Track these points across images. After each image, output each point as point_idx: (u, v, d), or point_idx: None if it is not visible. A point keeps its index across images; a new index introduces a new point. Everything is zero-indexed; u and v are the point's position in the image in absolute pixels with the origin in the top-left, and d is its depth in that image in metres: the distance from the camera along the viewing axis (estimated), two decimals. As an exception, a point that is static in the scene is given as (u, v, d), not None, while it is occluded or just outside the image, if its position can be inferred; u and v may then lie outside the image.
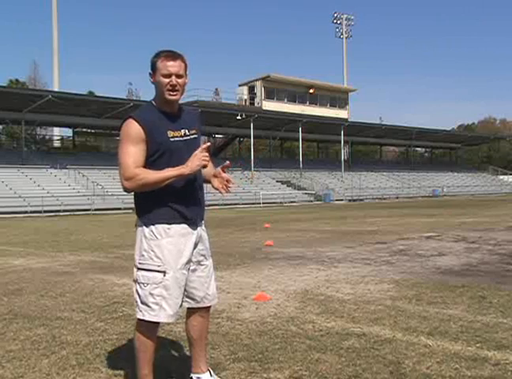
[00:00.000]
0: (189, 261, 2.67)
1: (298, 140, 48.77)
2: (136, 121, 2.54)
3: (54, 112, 39.18)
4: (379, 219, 18.26)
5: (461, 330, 3.84)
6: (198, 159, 2.55)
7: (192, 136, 2.71)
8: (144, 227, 2.65)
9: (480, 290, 5.27)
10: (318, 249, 9.36)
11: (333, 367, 3.12)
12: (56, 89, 48.59)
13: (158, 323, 2.65)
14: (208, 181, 2.82)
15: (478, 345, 3.47)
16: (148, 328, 2.62)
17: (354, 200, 44.29)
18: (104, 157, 43.69)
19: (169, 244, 2.60)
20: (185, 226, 2.65)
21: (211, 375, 2.87)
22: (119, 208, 31.50)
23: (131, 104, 39.29)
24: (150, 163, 2.58)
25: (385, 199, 46.75)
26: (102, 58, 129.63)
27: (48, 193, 32.02)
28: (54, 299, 5.37)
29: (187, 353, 3.39)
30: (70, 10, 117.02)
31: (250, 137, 46.54)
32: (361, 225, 15.46)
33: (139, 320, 2.63)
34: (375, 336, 3.72)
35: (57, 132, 53.42)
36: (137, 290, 2.62)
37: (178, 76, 2.57)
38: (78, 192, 34.10)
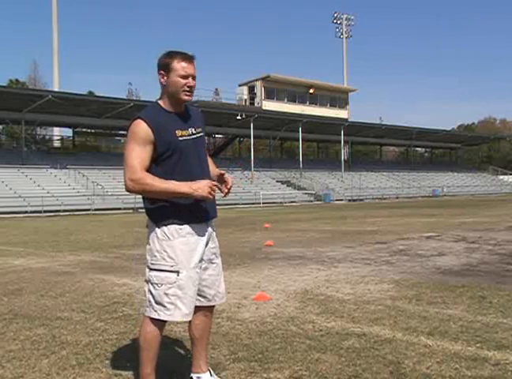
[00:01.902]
0: (201, 260, 2.69)
1: (298, 140, 48.77)
2: (144, 121, 2.55)
3: (54, 112, 39.20)
4: (379, 219, 18.26)
5: (461, 330, 3.84)
6: (207, 190, 2.52)
7: (198, 135, 2.74)
8: (156, 228, 2.63)
9: (480, 290, 5.27)
10: (318, 249, 9.36)
11: (333, 367, 3.12)
12: (56, 89, 48.59)
13: (165, 322, 2.65)
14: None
15: (478, 345, 3.47)
16: (157, 327, 2.63)
17: (354, 200, 44.29)
18: (104, 157, 43.72)
19: (181, 244, 2.60)
20: (197, 225, 2.65)
21: (211, 375, 2.88)
22: (119, 208, 31.54)
23: (131, 104, 39.33)
24: (160, 162, 2.58)
25: (385, 199, 46.74)
26: (102, 58, 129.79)
27: (48, 193, 32.03)
28: (54, 299, 5.37)
29: (187, 353, 3.40)
30: (70, 10, 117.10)
31: (250, 137, 46.53)
32: (361, 225, 15.46)
33: (150, 319, 2.62)
34: (375, 336, 3.73)
35: (57, 132, 53.43)
36: (150, 291, 2.62)
37: (194, 78, 2.61)
38: (78, 192, 34.10)
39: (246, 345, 3.60)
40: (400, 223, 15.93)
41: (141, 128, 2.54)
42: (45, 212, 28.82)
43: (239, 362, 3.25)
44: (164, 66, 2.60)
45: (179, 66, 2.57)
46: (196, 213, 2.63)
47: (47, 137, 54.69)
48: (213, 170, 2.88)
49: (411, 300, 4.89)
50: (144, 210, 2.74)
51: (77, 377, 3.10)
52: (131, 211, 31.26)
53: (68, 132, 51.69)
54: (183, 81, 2.58)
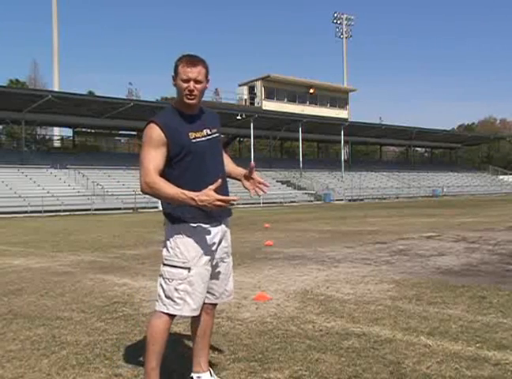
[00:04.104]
0: (212, 258, 2.74)
1: (298, 140, 48.74)
2: (157, 125, 2.61)
3: (54, 112, 39.18)
4: (379, 219, 18.25)
5: (461, 330, 3.84)
6: (211, 201, 2.50)
7: (214, 135, 2.78)
8: (171, 225, 2.71)
9: (480, 290, 5.27)
10: (318, 249, 9.36)
11: (333, 367, 3.12)
12: (56, 89, 48.58)
13: (173, 317, 2.70)
14: (234, 178, 2.95)
15: (478, 345, 3.47)
16: (164, 321, 2.67)
17: (354, 200, 44.28)
18: (104, 157, 43.72)
19: (194, 242, 2.67)
20: (211, 224, 2.71)
21: (211, 375, 2.90)
22: (119, 208, 31.53)
23: (131, 104, 39.36)
24: (174, 163, 2.65)
25: (385, 199, 46.73)
26: (102, 58, 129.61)
27: (48, 193, 32.02)
28: (54, 299, 5.37)
29: (187, 353, 3.40)
30: (70, 10, 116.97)
31: (250, 137, 46.53)
32: (361, 225, 15.46)
33: (159, 313, 2.67)
34: (375, 336, 3.73)
35: (57, 132, 53.41)
36: (161, 285, 2.69)
37: (197, 81, 2.64)
38: (78, 192, 34.09)
39: (246, 345, 3.61)
40: (400, 223, 15.93)
41: (154, 131, 2.61)
42: (45, 211, 28.80)
43: (239, 362, 3.25)
44: (174, 70, 2.68)
45: (182, 70, 2.62)
46: (210, 213, 2.67)
47: (47, 137, 54.66)
48: (234, 169, 2.96)
49: (411, 300, 4.89)
50: (160, 209, 2.80)
51: (77, 377, 3.10)
52: (131, 211, 31.25)
53: (68, 132, 51.73)
54: (184, 85, 2.63)
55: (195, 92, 2.63)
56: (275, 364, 3.21)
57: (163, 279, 2.68)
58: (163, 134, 2.59)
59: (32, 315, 4.68)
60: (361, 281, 5.98)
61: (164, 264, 2.70)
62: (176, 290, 2.64)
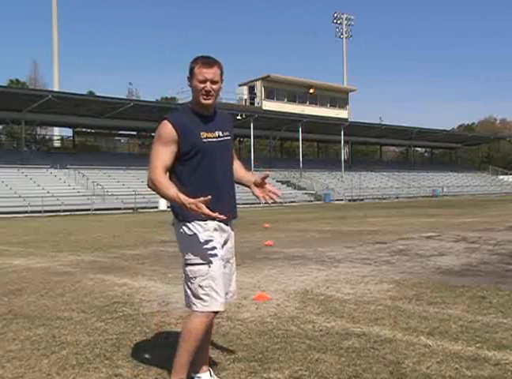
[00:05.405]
0: (222, 254, 2.78)
1: (298, 140, 48.73)
2: (170, 122, 2.69)
3: (54, 112, 39.14)
4: (379, 219, 18.25)
5: (461, 330, 3.84)
6: (199, 213, 2.55)
7: (225, 138, 2.83)
8: (181, 225, 2.76)
9: (480, 290, 5.27)
10: (318, 249, 9.37)
11: (333, 367, 3.12)
12: (56, 89, 48.53)
13: (210, 317, 2.72)
14: (244, 184, 2.98)
15: (478, 345, 3.47)
16: (201, 321, 2.69)
17: (354, 200, 44.27)
18: (104, 157, 43.71)
19: (207, 237, 2.72)
20: (218, 222, 2.75)
21: (211, 375, 2.90)
22: (119, 208, 31.51)
23: (131, 104, 39.33)
24: (184, 161, 2.72)
25: (385, 199, 46.72)
26: (102, 58, 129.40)
27: (48, 193, 32.01)
28: (54, 299, 5.37)
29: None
30: (70, 10, 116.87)
31: (250, 137, 46.50)
32: (361, 225, 15.46)
33: (196, 312, 2.70)
34: (375, 336, 3.73)
35: (57, 132, 53.37)
36: (188, 285, 2.74)
37: (213, 82, 2.72)
38: (78, 192, 34.09)
39: (246, 345, 3.61)
40: (400, 223, 15.93)
41: (166, 129, 2.69)
42: (45, 211, 28.76)
43: (239, 362, 3.25)
44: (190, 71, 2.74)
45: (198, 71, 2.70)
46: (218, 212, 2.68)
47: (47, 137, 54.63)
48: (244, 174, 3.00)
49: (411, 300, 4.89)
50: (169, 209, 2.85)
51: (77, 377, 3.10)
52: (131, 211, 31.25)
53: (68, 132, 51.70)
54: (201, 86, 2.70)
55: (212, 93, 2.71)
56: (275, 364, 3.21)
57: (188, 278, 2.72)
58: (174, 132, 2.66)
59: (32, 315, 4.68)
60: (361, 281, 5.98)
61: (186, 264, 2.74)
62: (200, 287, 2.68)
